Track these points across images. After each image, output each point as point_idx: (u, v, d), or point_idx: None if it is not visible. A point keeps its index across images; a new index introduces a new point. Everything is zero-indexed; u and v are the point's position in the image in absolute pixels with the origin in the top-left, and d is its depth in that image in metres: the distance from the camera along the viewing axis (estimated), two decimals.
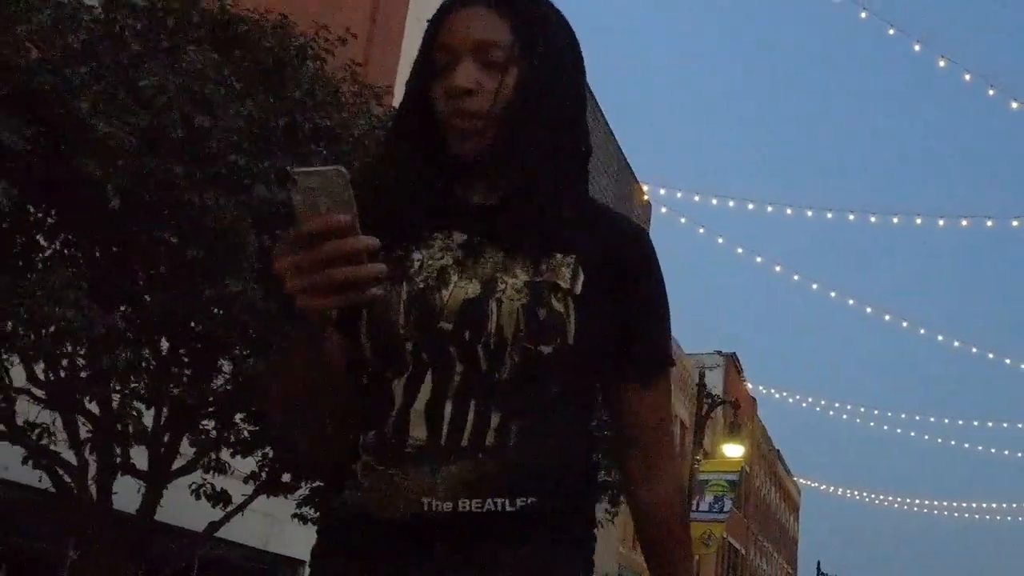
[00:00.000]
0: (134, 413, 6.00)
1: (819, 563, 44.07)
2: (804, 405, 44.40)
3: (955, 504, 43.80)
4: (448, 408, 1.50)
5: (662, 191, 28.65)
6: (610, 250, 1.64)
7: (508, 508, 1.48)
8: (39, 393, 6.66)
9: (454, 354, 1.52)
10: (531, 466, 1.51)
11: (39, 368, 6.39)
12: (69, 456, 6.71)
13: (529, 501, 1.49)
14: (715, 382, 42.53)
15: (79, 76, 4.77)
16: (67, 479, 6.42)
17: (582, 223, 1.64)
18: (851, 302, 29.86)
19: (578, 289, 1.57)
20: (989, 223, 22.91)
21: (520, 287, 1.55)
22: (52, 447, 6.55)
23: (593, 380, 1.65)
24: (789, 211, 25.45)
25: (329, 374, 1.51)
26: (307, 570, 1.74)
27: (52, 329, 4.94)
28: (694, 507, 24.39)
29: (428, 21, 1.66)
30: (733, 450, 23.89)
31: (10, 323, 5.03)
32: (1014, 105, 19.69)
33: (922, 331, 32.37)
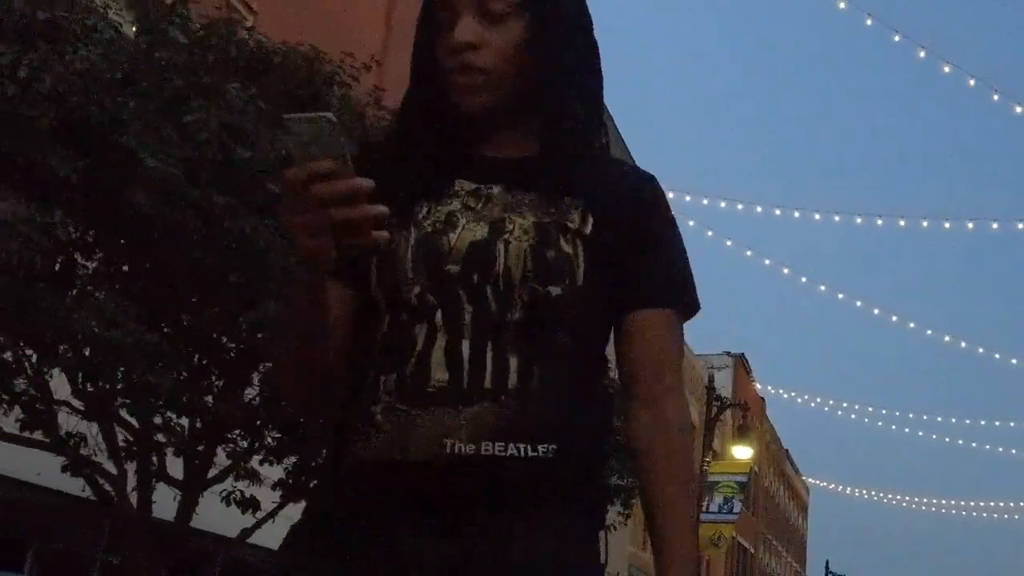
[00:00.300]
0: (176, 427, 6.28)
1: (827, 562, 44.17)
2: (812, 405, 44.56)
3: (963, 503, 43.98)
4: (465, 350, 1.49)
5: (671, 195, 28.90)
6: (621, 194, 1.62)
7: (530, 454, 1.46)
8: (77, 404, 6.96)
9: (463, 296, 1.51)
10: (551, 413, 1.48)
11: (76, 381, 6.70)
12: (108, 465, 7.02)
13: (550, 449, 1.47)
14: (724, 382, 42.76)
15: (126, 110, 5.05)
16: (107, 487, 6.72)
17: (592, 169, 1.63)
18: (859, 303, 30.12)
19: (588, 230, 1.56)
20: (995, 225, 23.12)
21: (528, 228, 1.54)
22: (92, 457, 6.85)
23: (605, 326, 1.61)
24: (797, 214, 25.69)
25: (328, 327, 1.51)
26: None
27: (96, 346, 5.22)
28: (704, 508, 24.71)
29: None
30: (742, 452, 24.16)
31: (55, 340, 5.31)
32: (1018, 110, 19.89)
33: (928, 332, 32.58)
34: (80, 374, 6.25)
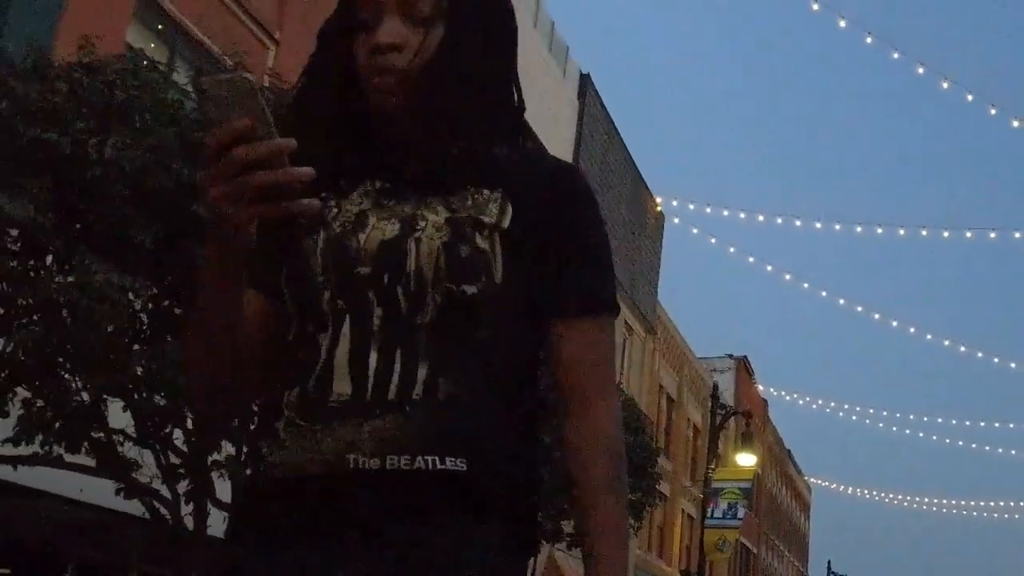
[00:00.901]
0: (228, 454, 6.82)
1: (829, 562, 44.69)
2: (815, 407, 45.14)
3: (963, 502, 44.49)
4: (372, 359, 1.42)
5: (674, 202, 29.47)
6: (541, 186, 1.56)
7: (438, 466, 1.39)
8: (130, 431, 7.51)
9: (372, 298, 1.45)
10: (462, 423, 1.42)
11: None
12: (152, 484, 7.56)
13: (458, 462, 1.40)
14: (727, 385, 43.25)
15: (114, 149, 5.43)
16: (163, 511, 7.27)
17: (511, 161, 1.58)
18: (859, 308, 30.61)
19: (506, 223, 1.50)
20: (992, 235, 23.63)
21: (441, 224, 1.48)
22: (146, 481, 7.40)
23: (529, 328, 1.54)
24: (798, 222, 26.22)
25: (235, 324, 1.44)
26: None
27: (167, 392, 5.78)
28: (709, 514, 25.20)
29: None
30: (746, 459, 24.69)
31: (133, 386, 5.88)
32: (1015, 124, 20.43)
33: (928, 336, 33.07)
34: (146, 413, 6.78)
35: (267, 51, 13.29)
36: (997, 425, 50.67)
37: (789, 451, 62.71)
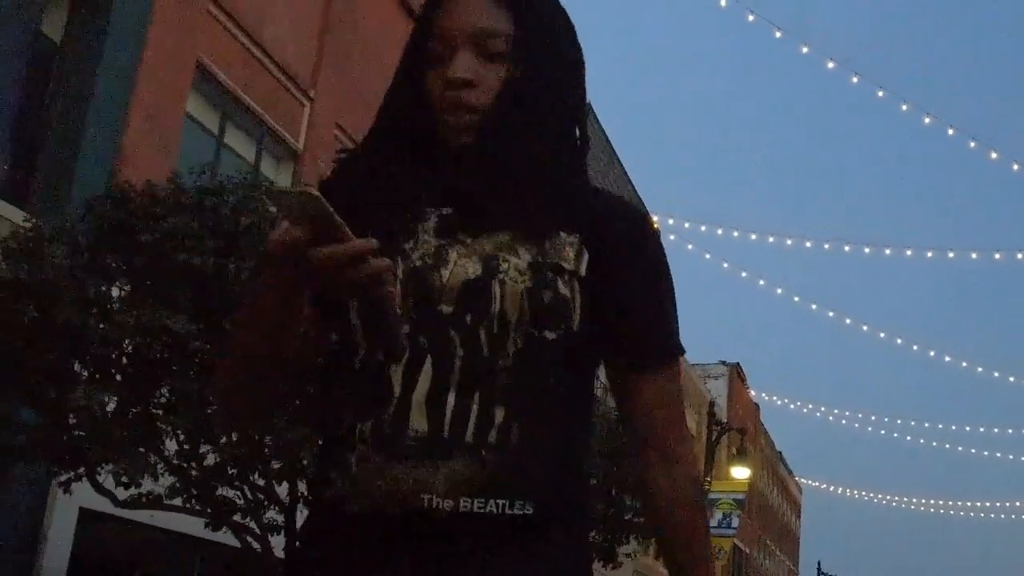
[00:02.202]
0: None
1: (819, 563, 45.86)
2: (805, 411, 46.34)
3: (947, 503, 45.82)
4: (451, 399, 1.44)
5: (671, 221, 30.66)
6: (615, 232, 1.58)
7: (507, 511, 1.42)
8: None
9: (455, 338, 1.46)
10: (533, 469, 1.45)
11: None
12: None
13: (528, 506, 1.44)
14: (720, 391, 44.45)
15: (248, 269, 6.41)
16: (255, 545, 8.35)
17: (585, 205, 1.59)
18: (848, 321, 31.87)
19: (583, 270, 1.52)
20: (974, 255, 24.80)
21: (523, 268, 1.49)
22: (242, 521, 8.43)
23: (594, 369, 1.60)
24: (789, 241, 27.37)
25: (289, 335, 1.46)
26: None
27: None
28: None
29: (423, 4, 1.62)
30: (740, 472, 25.92)
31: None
32: (993, 155, 21.66)
33: (915, 347, 34.31)
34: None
35: (303, 108, 14.41)
36: (982, 430, 51.94)
37: (780, 453, 63.84)
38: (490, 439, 1.44)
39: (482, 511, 1.42)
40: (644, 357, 1.60)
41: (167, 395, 6.37)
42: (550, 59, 1.59)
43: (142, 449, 6.19)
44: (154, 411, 6.55)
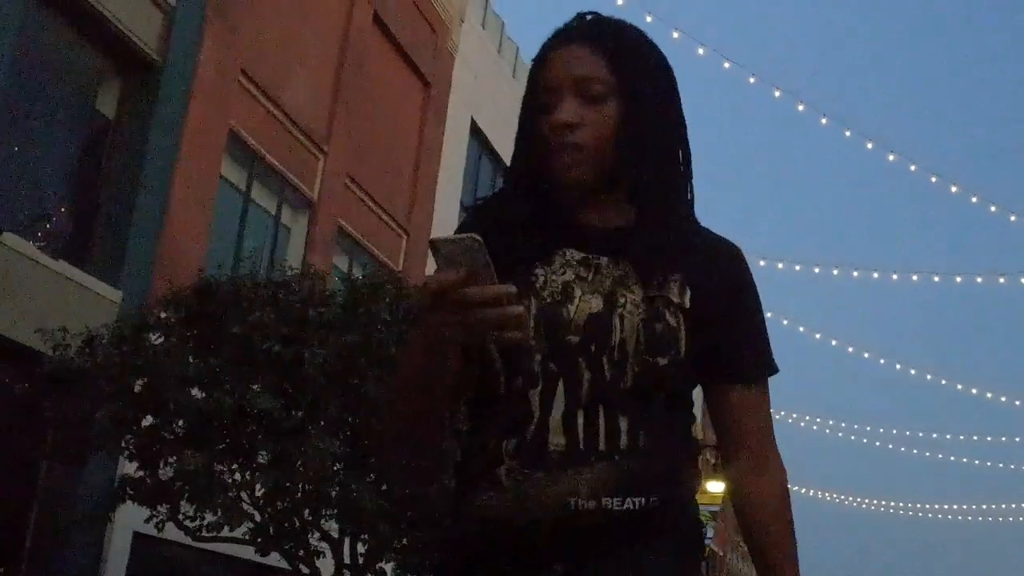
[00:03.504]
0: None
1: None
2: (778, 416, 47.96)
3: (922, 505, 47.68)
4: (581, 416, 1.62)
5: None
6: (713, 268, 1.75)
7: (642, 505, 1.62)
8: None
9: (582, 364, 1.64)
10: (659, 467, 1.65)
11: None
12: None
13: (657, 498, 1.64)
14: (695, 395, 45.68)
15: (319, 355, 7.87)
16: (303, 568, 9.72)
17: (687, 243, 1.75)
18: (818, 336, 33.40)
19: (687, 304, 1.69)
20: (959, 279, 26.02)
21: (638, 302, 1.67)
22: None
23: (692, 387, 1.77)
24: (762, 263, 28.88)
25: (438, 391, 1.63)
26: None
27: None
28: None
29: (532, 60, 1.80)
30: (716, 486, 27.36)
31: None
32: (954, 189, 23.23)
33: (898, 366, 35.88)
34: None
35: (318, 161, 15.80)
36: (961, 438, 54.01)
37: None
38: (621, 445, 1.62)
39: (620, 508, 1.60)
40: (744, 370, 1.76)
41: (250, 457, 7.83)
42: (648, 97, 1.72)
43: (231, 494, 7.63)
44: (241, 469, 8.03)
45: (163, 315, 8.28)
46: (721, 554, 51.69)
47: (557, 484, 1.60)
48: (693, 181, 1.83)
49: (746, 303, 1.79)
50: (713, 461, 26.12)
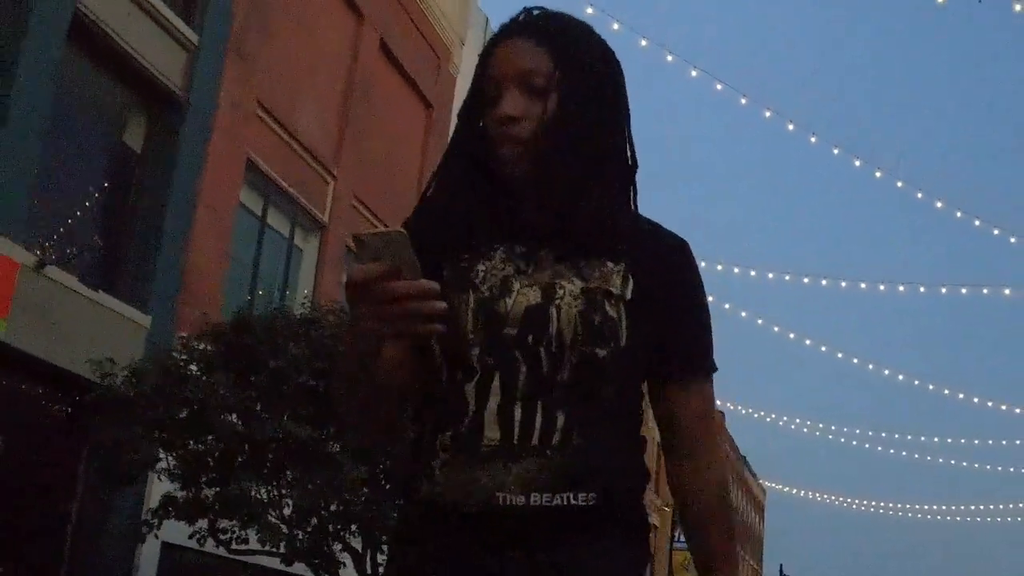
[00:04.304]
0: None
1: (781, 566, 48.12)
2: (768, 420, 48.78)
3: (905, 506, 48.61)
4: (518, 410, 1.61)
5: None
6: (657, 260, 1.74)
7: (574, 502, 1.60)
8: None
9: (519, 357, 1.63)
10: (594, 464, 1.62)
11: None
12: None
13: (591, 496, 1.61)
14: None
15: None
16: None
17: (630, 234, 1.73)
18: (808, 342, 34.21)
19: (628, 295, 1.68)
20: (943, 290, 26.84)
21: (577, 294, 1.66)
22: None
23: (641, 380, 1.76)
24: (752, 273, 29.67)
25: (377, 379, 1.63)
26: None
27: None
28: (676, 538, 28.72)
29: (479, 55, 1.79)
30: None
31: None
32: (938, 204, 24.02)
33: (870, 366, 36.75)
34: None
35: (327, 185, 16.54)
36: (936, 439, 54.94)
37: (744, 457, 65.77)
38: (554, 441, 1.60)
39: (550, 504, 1.58)
40: (684, 371, 1.76)
41: (280, 479, 8.61)
42: (589, 89, 1.71)
43: (271, 515, 8.40)
44: (275, 489, 8.80)
45: (202, 347, 9.01)
46: None
47: (486, 478, 1.60)
48: (637, 174, 1.83)
49: (689, 297, 1.79)
50: None
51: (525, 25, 1.75)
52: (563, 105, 1.69)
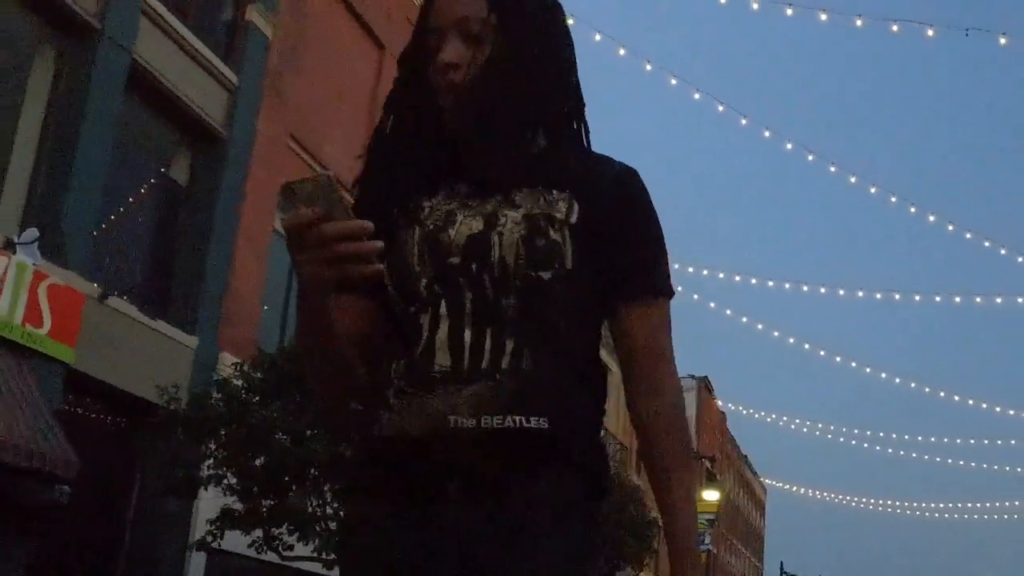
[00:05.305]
0: None
1: (782, 563, 48.85)
2: (769, 420, 49.71)
3: (903, 504, 49.55)
4: (467, 335, 1.63)
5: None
6: (604, 186, 1.74)
7: (525, 424, 1.59)
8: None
9: (463, 284, 1.65)
10: (544, 386, 1.62)
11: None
12: None
13: (543, 420, 1.60)
14: (689, 402, 47.60)
15: None
16: None
17: (577, 163, 1.76)
18: (807, 346, 35.22)
19: (573, 219, 1.69)
20: (919, 298, 28.07)
21: (519, 220, 1.68)
22: None
23: (595, 306, 1.74)
24: (753, 280, 30.63)
25: (332, 340, 1.63)
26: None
27: None
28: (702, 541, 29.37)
29: (420, 5, 1.82)
30: (711, 495, 29.13)
31: None
32: (932, 218, 25.01)
33: (868, 369, 37.66)
34: None
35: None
36: (945, 440, 55.83)
37: (745, 456, 66.51)
38: (504, 365, 1.62)
39: (501, 427, 1.59)
40: (634, 289, 1.75)
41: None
42: (527, 35, 1.75)
43: (323, 527, 9.46)
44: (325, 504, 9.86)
45: (258, 375, 10.07)
46: (715, 551, 53.37)
47: (439, 402, 1.61)
48: (584, 112, 1.86)
49: (638, 221, 1.78)
50: (710, 467, 27.76)
51: None
52: (498, 49, 1.73)
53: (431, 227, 1.70)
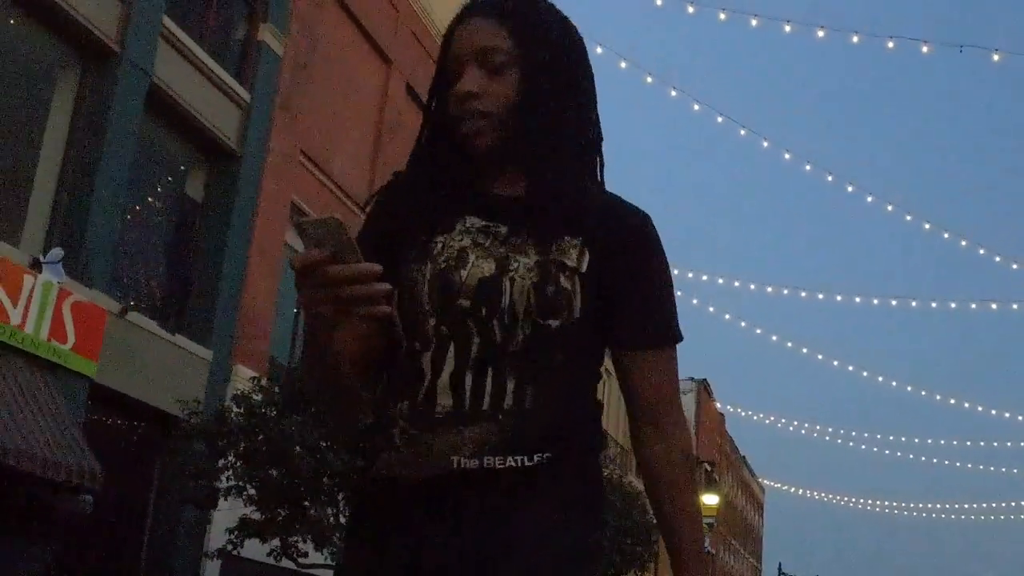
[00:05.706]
0: None
1: (780, 564, 49.18)
2: (768, 421, 50.13)
3: (901, 504, 49.93)
4: (468, 378, 1.64)
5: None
6: (615, 233, 1.73)
7: (527, 463, 1.62)
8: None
9: (472, 328, 1.65)
10: (546, 426, 1.64)
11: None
12: None
13: (544, 457, 1.63)
14: (688, 404, 47.96)
15: None
16: None
17: (590, 208, 1.74)
18: (805, 350, 35.60)
19: (584, 268, 1.69)
20: (934, 304, 28.20)
21: (531, 266, 1.67)
22: None
23: (598, 350, 1.77)
24: (737, 283, 31.08)
25: (339, 368, 1.66)
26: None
27: None
28: None
29: (442, 37, 1.81)
30: (710, 499, 29.48)
31: None
32: (930, 226, 25.35)
33: (864, 373, 38.01)
34: None
35: (357, 217, 17.90)
36: (942, 443, 56.19)
37: (744, 457, 66.56)
38: (506, 405, 1.63)
39: (503, 466, 1.62)
40: (646, 338, 1.75)
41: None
42: (550, 64, 1.74)
43: (337, 538, 9.87)
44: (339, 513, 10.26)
45: (276, 390, 10.48)
46: (714, 552, 53.61)
47: (442, 443, 1.62)
48: (601, 150, 1.86)
49: (648, 268, 1.77)
50: (710, 469, 28.07)
51: (484, 4, 1.77)
52: (524, 81, 1.72)
53: (443, 265, 1.69)
